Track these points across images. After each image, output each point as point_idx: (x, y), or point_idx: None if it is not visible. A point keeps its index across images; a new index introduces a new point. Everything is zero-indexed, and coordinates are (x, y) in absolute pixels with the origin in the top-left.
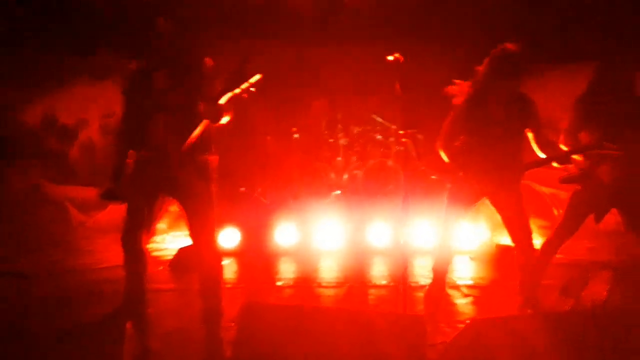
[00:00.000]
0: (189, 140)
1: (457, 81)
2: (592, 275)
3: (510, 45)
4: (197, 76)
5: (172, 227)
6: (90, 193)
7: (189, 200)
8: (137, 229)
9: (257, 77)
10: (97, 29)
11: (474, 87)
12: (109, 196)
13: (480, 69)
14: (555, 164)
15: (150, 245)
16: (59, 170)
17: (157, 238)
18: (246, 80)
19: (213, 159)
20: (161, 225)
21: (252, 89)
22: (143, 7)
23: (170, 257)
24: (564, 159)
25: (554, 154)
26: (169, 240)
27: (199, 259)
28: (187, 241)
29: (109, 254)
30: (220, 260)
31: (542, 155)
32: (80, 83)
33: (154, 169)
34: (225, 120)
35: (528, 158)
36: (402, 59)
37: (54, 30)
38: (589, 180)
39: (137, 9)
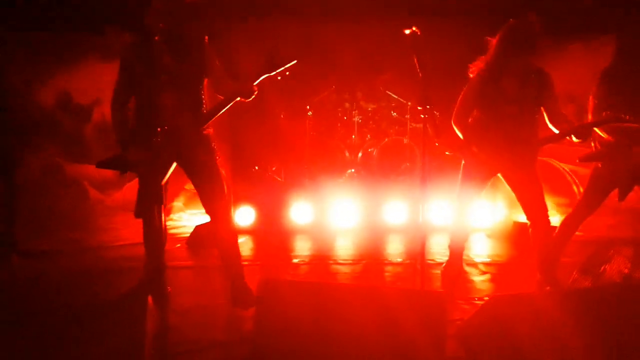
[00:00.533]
0: (210, 117)
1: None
2: (612, 252)
3: (523, 19)
4: (200, 51)
5: (188, 204)
6: (106, 172)
7: (200, 174)
8: (151, 204)
9: (292, 62)
10: (105, 6)
11: (487, 62)
12: (110, 164)
13: (493, 42)
14: (573, 139)
15: (168, 223)
16: (75, 149)
17: (174, 216)
18: (275, 62)
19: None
20: (177, 203)
21: (286, 73)
22: None
23: (187, 235)
24: (580, 133)
25: (569, 129)
26: (186, 218)
27: (215, 233)
28: (203, 219)
29: (126, 232)
30: (236, 233)
31: (556, 131)
32: (92, 62)
33: (165, 145)
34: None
35: (543, 133)
36: (419, 32)
37: (64, 10)
38: (611, 157)
39: None
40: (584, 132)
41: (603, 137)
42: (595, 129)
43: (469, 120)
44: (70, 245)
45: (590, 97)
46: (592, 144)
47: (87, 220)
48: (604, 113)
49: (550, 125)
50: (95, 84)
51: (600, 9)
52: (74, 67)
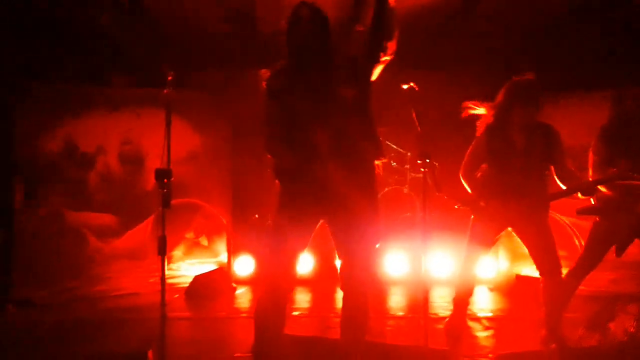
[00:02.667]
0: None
1: (471, 103)
2: (618, 308)
3: (527, 75)
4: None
5: (187, 254)
6: (107, 220)
7: (346, 213)
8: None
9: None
10: (110, 57)
11: (494, 118)
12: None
13: (499, 98)
14: (580, 195)
15: (167, 273)
16: (78, 197)
17: (173, 265)
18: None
19: None
20: (177, 252)
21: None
22: (157, 33)
23: (185, 285)
24: (587, 189)
25: (577, 185)
26: (185, 267)
27: (346, 282)
28: (202, 269)
29: (124, 281)
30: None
31: (563, 187)
32: (98, 112)
33: (314, 185)
34: None
35: (552, 188)
36: (417, 87)
37: (70, 60)
38: (608, 212)
39: (151, 36)
40: (590, 189)
41: (601, 192)
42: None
43: (478, 174)
44: (68, 295)
45: (590, 153)
46: (591, 199)
47: (85, 269)
48: (611, 170)
49: (557, 181)
50: (99, 134)
51: (595, 65)
52: (78, 116)
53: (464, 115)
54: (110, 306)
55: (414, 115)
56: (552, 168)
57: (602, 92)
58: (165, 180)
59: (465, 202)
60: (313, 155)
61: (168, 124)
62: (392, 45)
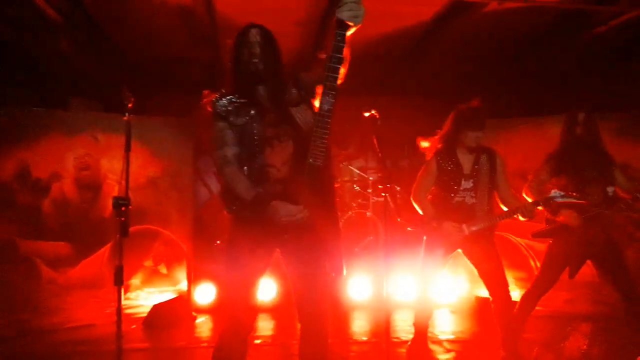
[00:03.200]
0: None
1: (424, 138)
2: (572, 328)
3: (472, 102)
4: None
5: (146, 282)
6: (61, 248)
7: (304, 244)
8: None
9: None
10: (69, 81)
11: (442, 142)
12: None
13: (447, 124)
14: (520, 217)
15: (124, 302)
16: (31, 225)
17: (131, 294)
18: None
19: None
20: (134, 281)
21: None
22: (118, 58)
23: (144, 315)
24: (526, 211)
25: (517, 207)
26: (143, 296)
27: (304, 317)
28: (161, 297)
29: (78, 312)
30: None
31: (505, 209)
32: (55, 136)
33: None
34: None
35: (497, 210)
36: (378, 115)
37: (25, 83)
38: (561, 234)
39: (111, 60)
40: (529, 210)
41: (552, 216)
42: (541, 207)
43: (428, 196)
44: (19, 327)
45: (529, 176)
46: (545, 221)
47: (38, 300)
48: (551, 191)
49: (500, 203)
50: (55, 159)
51: (552, 89)
52: (33, 141)
53: (421, 150)
54: (65, 339)
55: (375, 141)
56: (496, 191)
57: (558, 116)
58: (124, 208)
59: (418, 224)
60: (267, 181)
61: (127, 151)
62: (342, 76)
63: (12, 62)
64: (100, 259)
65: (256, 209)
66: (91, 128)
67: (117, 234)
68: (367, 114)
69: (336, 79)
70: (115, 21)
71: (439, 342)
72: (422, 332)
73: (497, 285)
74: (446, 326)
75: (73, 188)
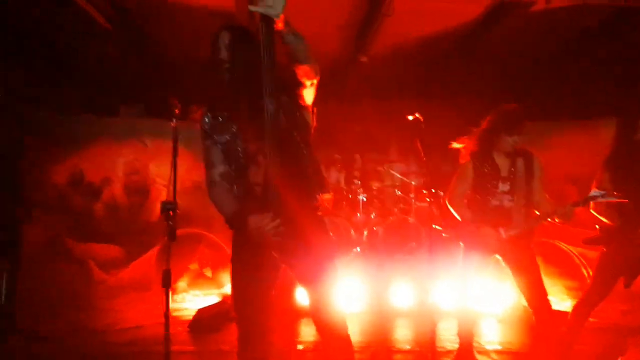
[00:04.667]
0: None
1: (460, 139)
2: (629, 341)
3: (511, 105)
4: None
5: (191, 285)
6: (112, 251)
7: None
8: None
9: None
10: (118, 87)
11: (479, 144)
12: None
13: (484, 125)
14: (556, 220)
15: (171, 305)
16: (84, 228)
17: (177, 297)
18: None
19: None
20: (181, 283)
21: None
22: (164, 64)
23: (189, 318)
24: (564, 214)
25: (555, 208)
26: (189, 299)
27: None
28: (206, 301)
29: (128, 314)
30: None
31: (537, 213)
32: (105, 142)
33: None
34: None
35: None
36: (421, 118)
37: (76, 90)
38: (615, 240)
39: (158, 67)
40: (567, 213)
41: (604, 222)
42: (595, 212)
43: (465, 200)
44: (72, 328)
45: (593, 184)
46: (597, 227)
47: (89, 301)
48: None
49: (536, 207)
50: (106, 164)
51: (596, 94)
52: (87, 146)
53: (454, 150)
54: (114, 340)
55: (418, 145)
56: (533, 193)
57: (609, 119)
58: (171, 212)
59: (455, 228)
60: (252, 201)
61: (175, 156)
62: (311, 69)
63: (64, 70)
64: (148, 262)
65: (238, 226)
66: (139, 134)
67: (165, 237)
68: (410, 117)
69: (273, 79)
70: (160, 27)
71: (486, 353)
72: (467, 341)
73: (534, 293)
74: (493, 336)
75: (123, 192)
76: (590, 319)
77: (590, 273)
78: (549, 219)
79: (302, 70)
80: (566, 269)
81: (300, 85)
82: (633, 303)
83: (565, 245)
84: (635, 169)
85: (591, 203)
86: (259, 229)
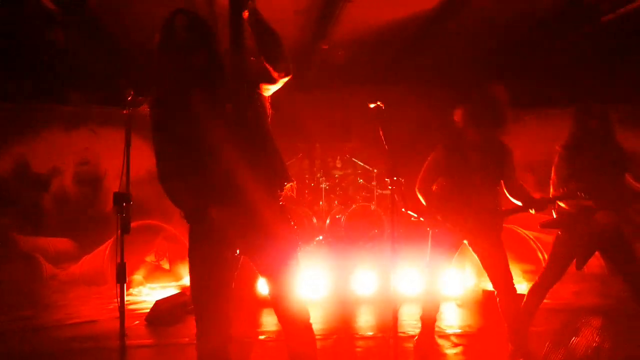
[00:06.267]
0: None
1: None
2: (581, 324)
3: (487, 89)
4: None
5: (148, 278)
6: (63, 244)
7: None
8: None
9: None
10: (68, 74)
11: (450, 136)
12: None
13: (459, 113)
14: (532, 212)
15: (126, 298)
16: (32, 221)
17: (133, 290)
18: None
19: None
20: (137, 276)
21: None
22: (116, 50)
23: (146, 311)
24: (539, 207)
25: (530, 202)
26: (145, 292)
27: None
28: (164, 293)
29: (81, 308)
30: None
31: (518, 203)
32: (54, 131)
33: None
34: None
35: (506, 204)
36: (383, 106)
37: (23, 77)
38: (569, 225)
39: (110, 53)
40: (542, 206)
41: (562, 207)
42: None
43: (434, 187)
44: (21, 324)
45: (553, 172)
46: (553, 212)
47: (40, 296)
48: (561, 190)
49: (508, 195)
50: (54, 154)
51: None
52: (32, 136)
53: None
54: (67, 335)
55: (381, 133)
56: (503, 183)
57: (564, 108)
58: (125, 204)
59: (423, 215)
60: (211, 193)
61: (127, 146)
62: (280, 68)
63: (9, 56)
64: (101, 255)
65: (197, 221)
66: (90, 122)
67: (119, 230)
68: (372, 105)
69: (244, 72)
70: (112, 12)
71: (446, 336)
72: (429, 326)
73: (501, 278)
74: (453, 320)
75: (73, 183)
76: (545, 300)
77: (545, 257)
78: (529, 211)
79: (272, 67)
80: (522, 253)
81: (269, 80)
82: (583, 284)
83: (522, 229)
84: (589, 156)
85: (551, 189)
86: (220, 225)
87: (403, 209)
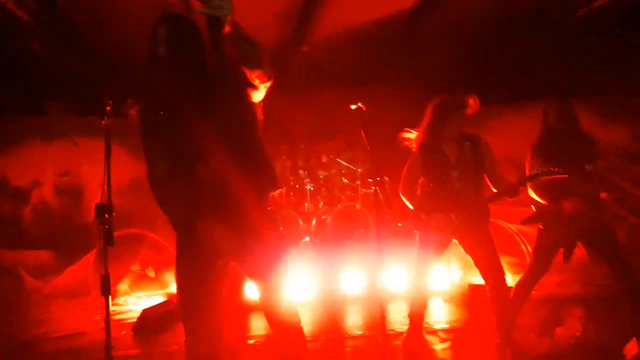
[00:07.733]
0: None
1: (408, 129)
2: (564, 314)
3: (447, 93)
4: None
5: (133, 287)
6: (45, 256)
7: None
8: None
9: None
10: (46, 86)
11: (425, 135)
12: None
13: (426, 117)
14: (507, 197)
15: (112, 308)
16: (13, 234)
17: (119, 300)
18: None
19: None
20: (122, 285)
21: None
22: (94, 59)
23: (133, 320)
24: (512, 191)
25: (503, 187)
26: (132, 301)
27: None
28: (150, 302)
29: (65, 321)
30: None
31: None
32: (32, 143)
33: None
34: None
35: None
36: (364, 107)
37: (1, 90)
38: (550, 219)
39: (88, 62)
40: (513, 190)
41: (540, 202)
42: (531, 193)
43: (417, 190)
44: (4, 340)
45: (527, 167)
46: (532, 207)
47: (22, 311)
48: (533, 170)
49: (491, 187)
50: (34, 166)
51: (529, 78)
52: (12, 148)
53: (402, 144)
54: (52, 349)
55: (362, 134)
56: (486, 176)
57: (540, 102)
58: (107, 215)
59: (409, 218)
60: (201, 201)
61: (108, 156)
62: (261, 75)
63: None
64: (85, 266)
65: (186, 230)
66: (69, 133)
67: (101, 241)
68: (353, 107)
69: (222, 78)
70: (90, 20)
71: (434, 332)
72: (417, 323)
73: (492, 271)
74: (441, 315)
75: (54, 195)
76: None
77: (530, 249)
78: (506, 196)
79: (254, 74)
80: (507, 246)
81: (252, 86)
82: (565, 274)
83: (506, 223)
84: (555, 149)
85: (528, 184)
86: (209, 238)
87: (388, 215)
